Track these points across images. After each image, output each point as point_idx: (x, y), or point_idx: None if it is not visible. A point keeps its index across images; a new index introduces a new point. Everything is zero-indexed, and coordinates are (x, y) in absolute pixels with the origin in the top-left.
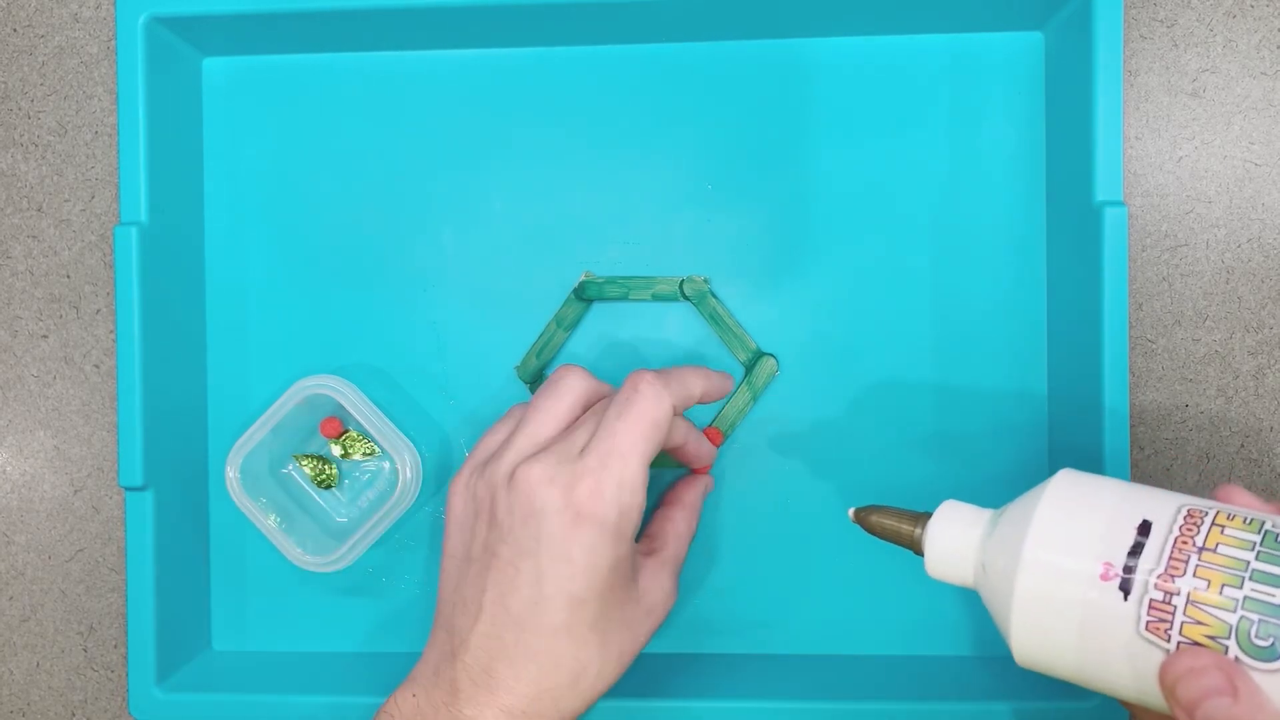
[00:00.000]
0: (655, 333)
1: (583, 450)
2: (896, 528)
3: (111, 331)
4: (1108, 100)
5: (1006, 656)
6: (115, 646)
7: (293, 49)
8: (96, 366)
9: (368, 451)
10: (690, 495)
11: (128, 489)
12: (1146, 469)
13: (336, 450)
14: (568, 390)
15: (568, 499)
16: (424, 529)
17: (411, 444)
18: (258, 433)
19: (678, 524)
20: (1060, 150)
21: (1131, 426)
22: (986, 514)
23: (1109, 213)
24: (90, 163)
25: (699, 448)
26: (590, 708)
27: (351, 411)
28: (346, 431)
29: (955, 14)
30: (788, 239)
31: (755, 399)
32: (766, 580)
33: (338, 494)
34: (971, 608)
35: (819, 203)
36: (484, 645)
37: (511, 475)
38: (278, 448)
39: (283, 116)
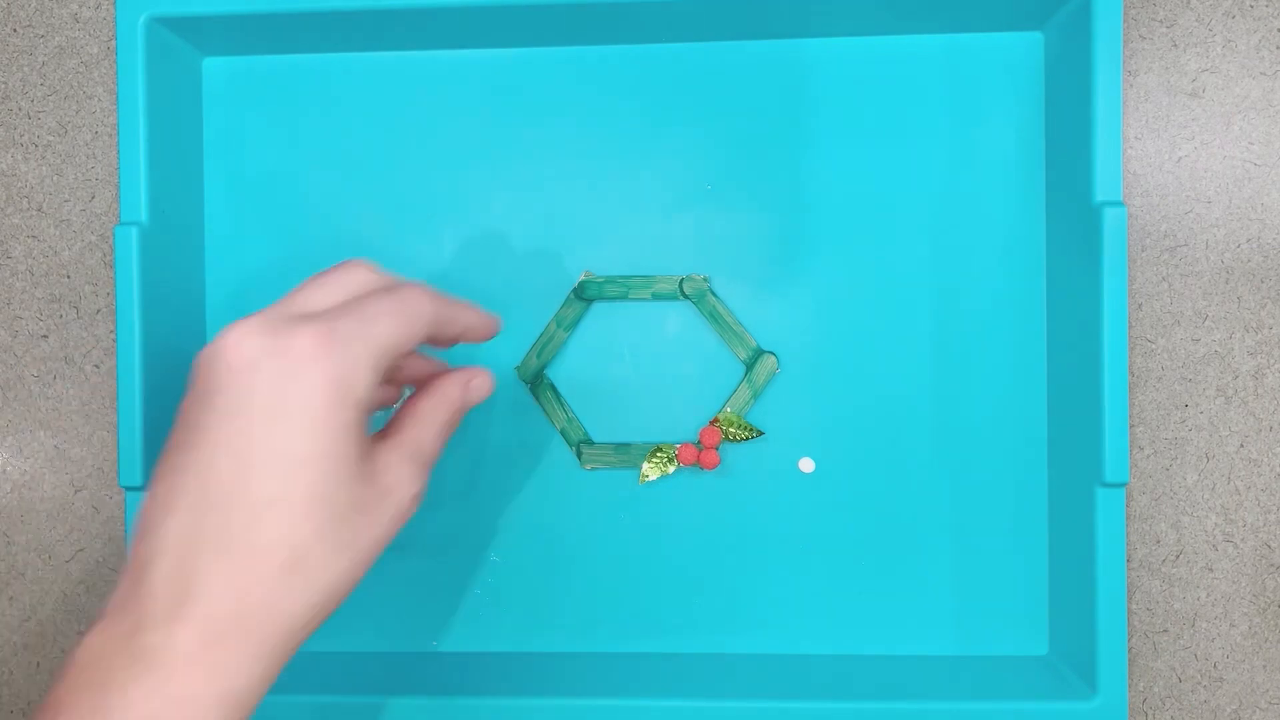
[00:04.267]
0: (655, 331)
1: (318, 314)
2: None
3: (112, 331)
4: (1107, 100)
5: (1006, 657)
6: None
7: (293, 49)
8: (97, 366)
9: None
10: (449, 386)
11: (128, 489)
12: (1146, 469)
13: None
14: (350, 278)
15: (285, 345)
16: (422, 529)
17: None
18: None
19: (424, 411)
20: (1060, 150)
21: (1131, 426)
22: None
23: (1108, 213)
24: (90, 163)
25: (474, 321)
26: (325, 615)
27: None
28: None
29: (955, 14)
30: (787, 238)
31: (756, 397)
32: (766, 580)
33: None
34: (969, 607)
35: (819, 202)
36: (175, 549)
37: (219, 342)
38: None
39: (283, 116)
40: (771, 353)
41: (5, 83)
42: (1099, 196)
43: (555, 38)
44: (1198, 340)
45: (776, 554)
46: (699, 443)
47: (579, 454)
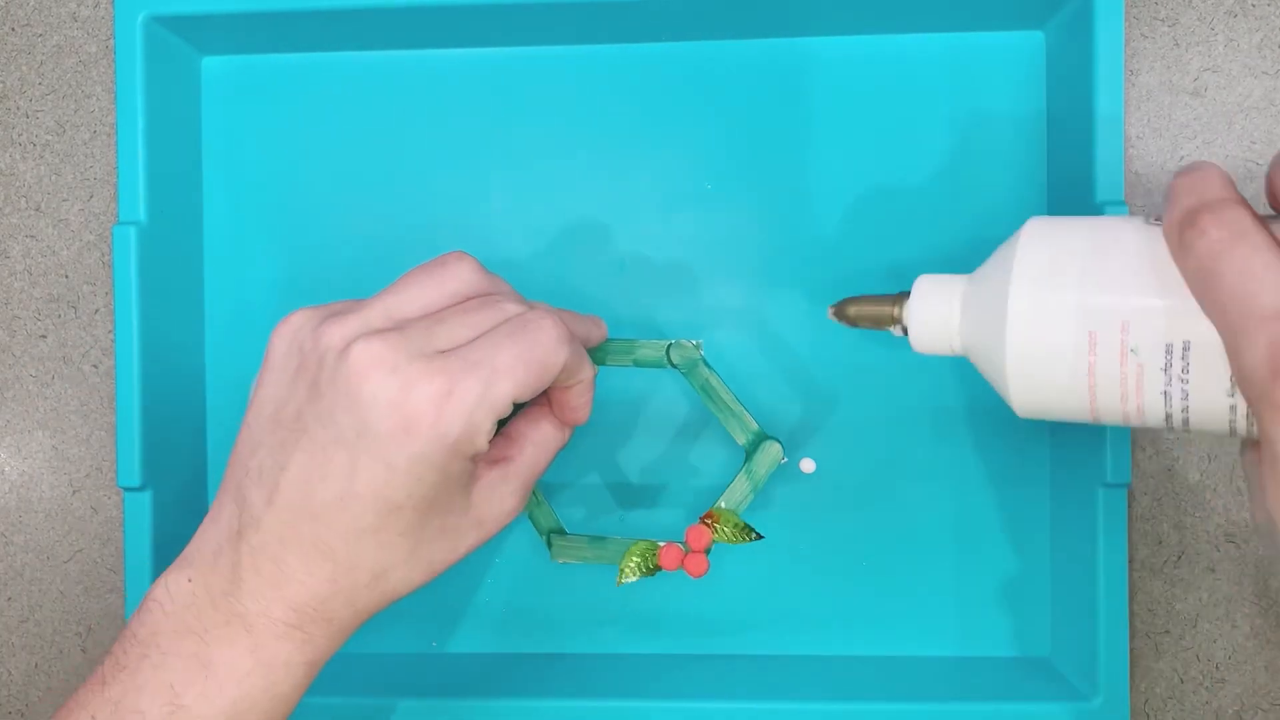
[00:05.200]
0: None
1: (446, 352)
2: (876, 312)
3: (110, 331)
4: (1109, 99)
5: (1008, 658)
6: None
7: (292, 48)
8: (95, 366)
9: None
10: (575, 399)
11: (126, 489)
12: (1148, 469)
13: None
14: (452, 276)
15: (405, 396)
16: None
17: None
18: None
19: (544, 432)
20: (1061, 150)
21: (1132, 426)
22: (962, 279)
23: (1110, 212)
24: (89, 162)
25: (579, 400)
26: (389, 605)
27: None
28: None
29: (956, 13)
30: (787, 238)
31: (756, 491)
32: (766, 580)
33: None
34: (970, 608)
35: (819, 201)
36: (275, 531)
37: (348, 347)
38: None
39: (282, 115)
40: (775, 439)
41: (3, 82)
42: (1100, 196)
43: (555, 37)
44: None
45: (777, 554)
46: (685, 543)
47: (549, 544)
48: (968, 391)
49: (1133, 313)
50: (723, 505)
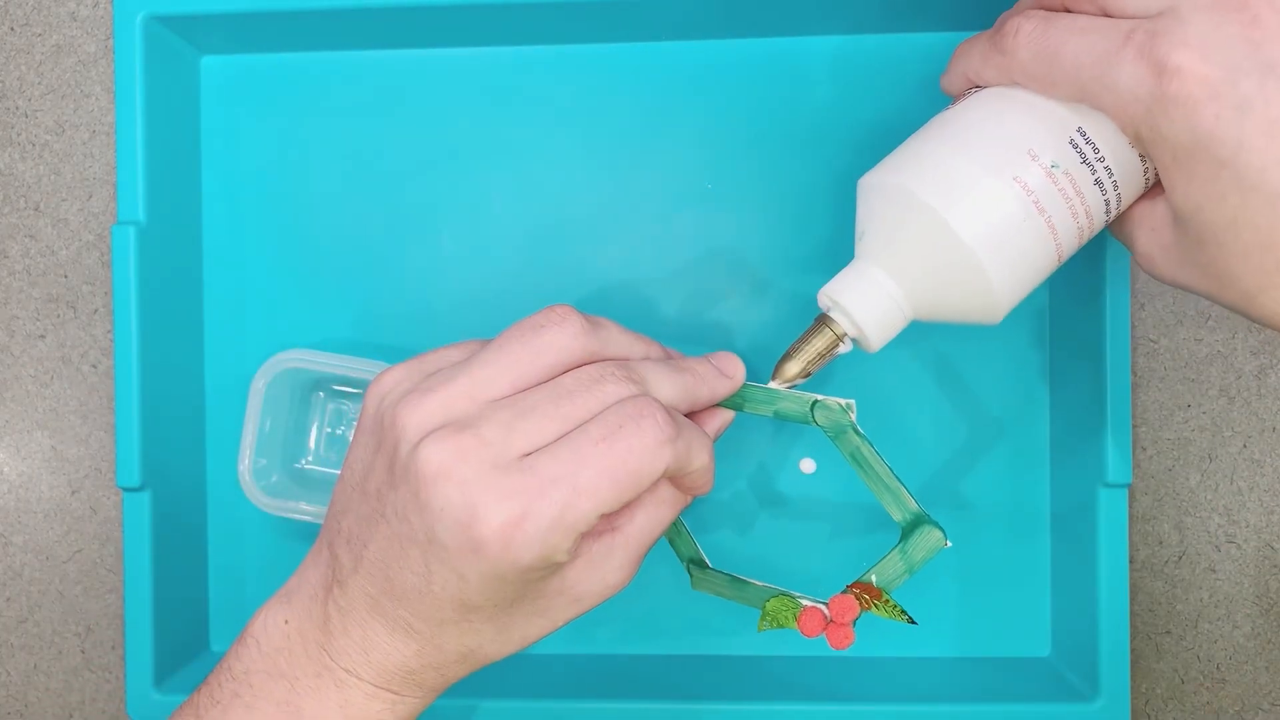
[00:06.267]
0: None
1: (528, 453)
2: (820, 346)
3: (109, 331)
4: None
5: (1008, 658)
6: (113, 648)
7: (291, 47)
8: (94, 366)
9: None
10: (691, 482)
11: (125, 489)
12: (1149, 469)
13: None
14: (549, 346)
15: (472, 518)
16: None
17: None
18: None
19: (660, 497)
20: None
21: (1134, 426)
22: (858, 261)
23: None
24: (88, 162)
25: (697, 483)
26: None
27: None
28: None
29: (956, 12)
30: (788, 238)
31: (910, 574)
32: (766, 580)
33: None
34: (970, 608)
35: (819, 201)
36: (361, 600)
37: (420, 443)
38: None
39: (281, 115)
40: (937, 525)
41: (2, 81)
42: None
43: (555, 36)
44: (1200, 340)
45: (777, 554)
46: (828, 610)
47: (689, 572)
48: (967, 391)
49: (1025, 140)
50: (874, 580)
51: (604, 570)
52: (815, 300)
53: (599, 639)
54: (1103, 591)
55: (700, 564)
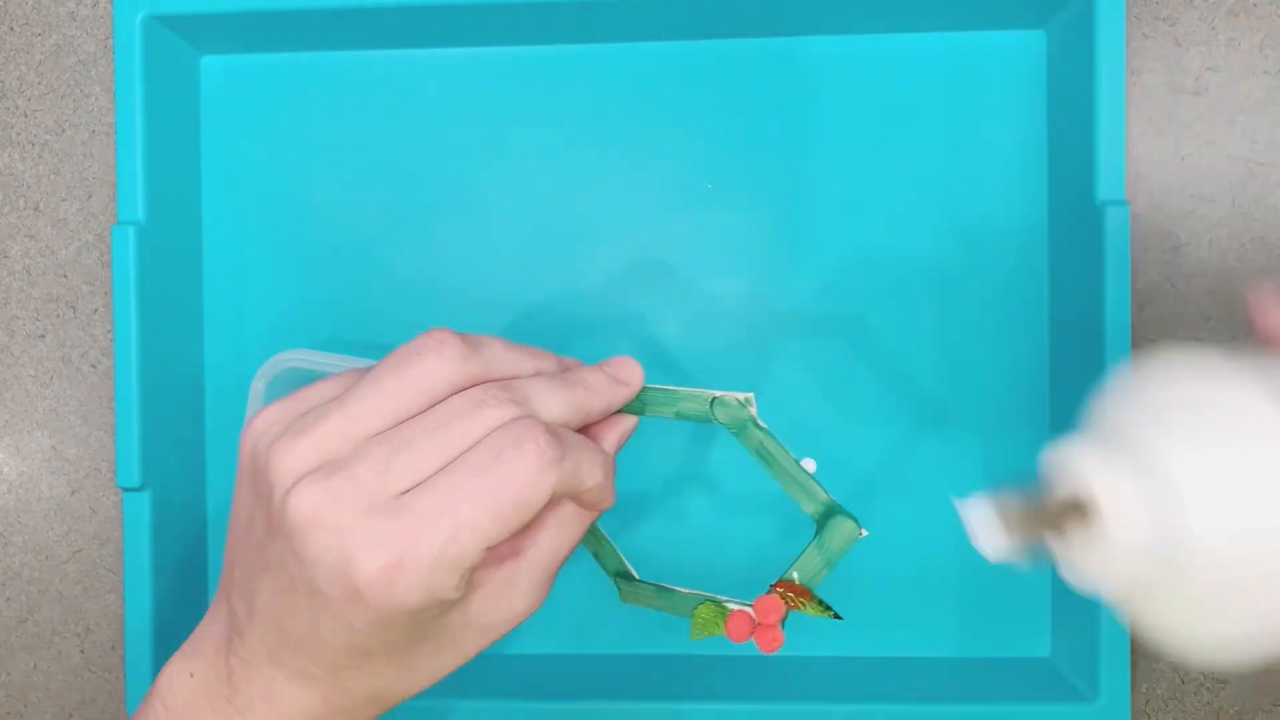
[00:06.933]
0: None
1: (405, 490)
2: (1042, 518)
3: (109, 331)
4: (1110, 99)
5: (1008, 659)
6: (113, 648)
7: (291, 47)
8: (94, 366)
9: None
10: (588, 499)
11: (125, 489)
12: None
13: None
14: (426, 373)
15: (350, 563)
16: None
17: None
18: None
19: (564, 514)
20: (1062, 149)
21: None
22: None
23: (1111, 212)
24: (87, 162)
25: (594, 499)
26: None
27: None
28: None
29: (957, 12)
30: (789, 238)
31: (830, 567)
32: (766, 580)
33: None
34: (970, 608)
35: (820, 201)
36: (259, 650)
37: (290, 490)
38: None
39: (281, 115)
40: (850, 515)
41: (2, 81)
42: (1101, 195)
43: (555, 36)
44: (1201, 341)
45: (777, 554)
46: (753, 612)
47: (617, 586)
48: (969, 391)
49: None
50: (795, 578)
51: (509, 597)
52: (813, 299)
53: (598, 639)
54: None
55: (627, 576)
